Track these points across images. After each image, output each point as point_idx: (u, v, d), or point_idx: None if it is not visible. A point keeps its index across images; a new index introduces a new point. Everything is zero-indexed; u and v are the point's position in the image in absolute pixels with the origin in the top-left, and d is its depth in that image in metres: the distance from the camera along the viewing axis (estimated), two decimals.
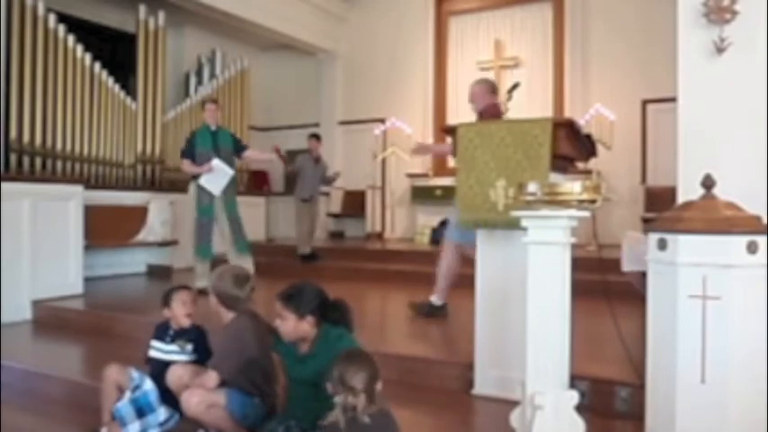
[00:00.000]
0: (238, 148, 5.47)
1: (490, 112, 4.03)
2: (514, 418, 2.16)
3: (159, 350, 2.68)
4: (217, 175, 5.10)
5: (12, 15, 6.25)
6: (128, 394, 2.54)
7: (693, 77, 2.98)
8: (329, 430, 1.83)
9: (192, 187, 5.24)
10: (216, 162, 5.07)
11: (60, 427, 2.86)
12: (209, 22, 8.52)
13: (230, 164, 5.25)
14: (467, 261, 3.78)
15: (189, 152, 5.22)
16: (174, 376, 2.49)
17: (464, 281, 4.17)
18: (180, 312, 2.69)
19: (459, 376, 2.94)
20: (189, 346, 2.66)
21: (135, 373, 2.58)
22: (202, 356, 2.61)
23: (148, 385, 2.55)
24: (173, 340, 2.68)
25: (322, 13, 9.12)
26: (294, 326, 2.22)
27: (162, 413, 2.55)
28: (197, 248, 5.19)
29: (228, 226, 5.27)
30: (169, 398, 2.54)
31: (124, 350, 3.44)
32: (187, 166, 5.23)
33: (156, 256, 7.04)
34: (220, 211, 5.23)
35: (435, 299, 4.15)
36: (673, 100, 3.10)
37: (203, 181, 5.11)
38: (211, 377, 2.35)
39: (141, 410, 2.51)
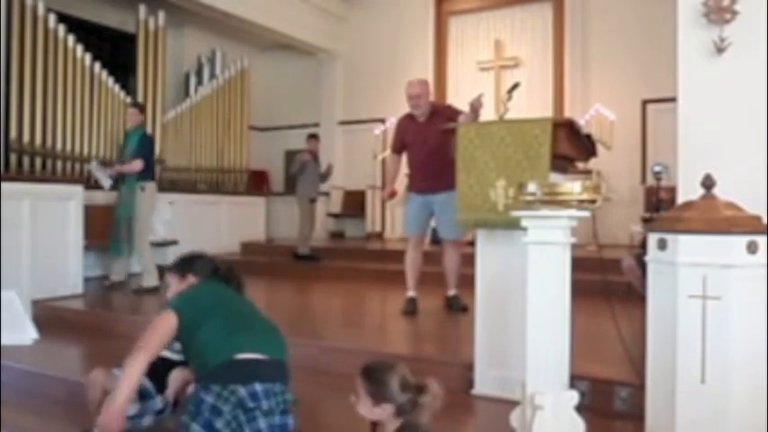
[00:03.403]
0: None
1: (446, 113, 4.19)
2: (514, 418, 2.16)
3: None
4: None
5: (12, 15, 6.25)
6: None
7: (693, 77, 2.98)
8: None
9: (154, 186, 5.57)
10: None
11: (60, 427, 2.85)
12: (209, 22, 8.51)
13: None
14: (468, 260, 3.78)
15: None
16: (176, 378, 2.51)
17: (465, 281, 4.18)
18: None
19: (459, 376, 2.93)
20: (176, 344, 2.65)
21: (120, 373, 2.53)
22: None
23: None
24: None
25: (322, 13, 9.12)
26: (176, 290, 2.37)
27: (158, 402, 2.53)
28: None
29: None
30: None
31: (124, 350, 3.41)
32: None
33: (156, 256, 7.01)
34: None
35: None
36: (673, 100, 3.10)
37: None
38: None
39: (142, 393, 2.48)
